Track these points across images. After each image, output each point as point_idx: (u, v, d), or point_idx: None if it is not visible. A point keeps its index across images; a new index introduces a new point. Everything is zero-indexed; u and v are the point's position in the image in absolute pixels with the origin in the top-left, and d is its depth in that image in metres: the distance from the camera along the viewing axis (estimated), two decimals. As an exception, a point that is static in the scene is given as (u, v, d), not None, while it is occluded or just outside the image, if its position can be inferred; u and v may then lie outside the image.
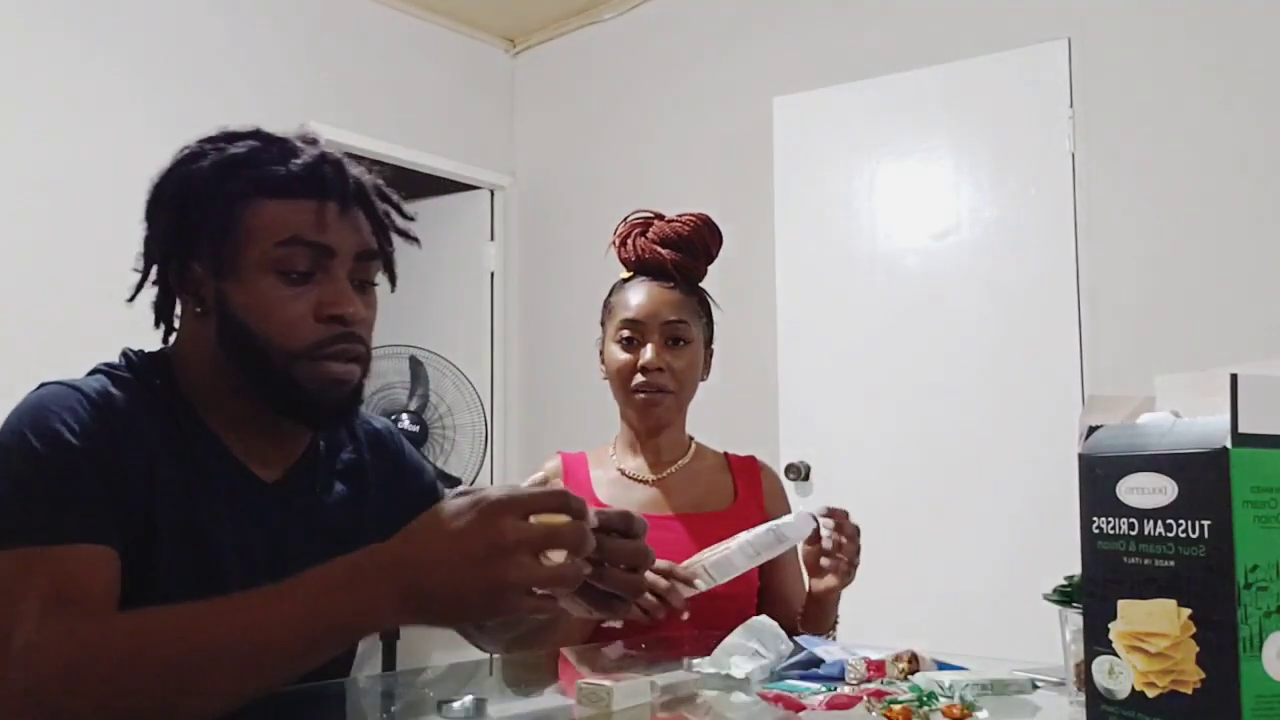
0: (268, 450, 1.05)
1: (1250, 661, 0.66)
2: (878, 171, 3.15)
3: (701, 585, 1.29)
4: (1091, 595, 0.76)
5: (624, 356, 1.65)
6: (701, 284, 1.72)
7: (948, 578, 2.85)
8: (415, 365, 3.70)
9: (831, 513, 1.42)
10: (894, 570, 2.79)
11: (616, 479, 1.69)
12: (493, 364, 4.14)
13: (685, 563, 1.33)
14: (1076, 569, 0.80)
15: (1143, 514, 0.72)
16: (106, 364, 1.03)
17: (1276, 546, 0.68)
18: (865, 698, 1.01)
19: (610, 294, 1.72)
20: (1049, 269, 2.87)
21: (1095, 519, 0.76)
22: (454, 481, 3.67)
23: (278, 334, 0.98)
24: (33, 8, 2.93)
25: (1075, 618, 0.90)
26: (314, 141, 1.05)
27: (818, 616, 1.53)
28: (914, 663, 1.14)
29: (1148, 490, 0.72)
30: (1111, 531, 0.75)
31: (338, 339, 1.00)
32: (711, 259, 1.72)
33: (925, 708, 0.97)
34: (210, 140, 1.04)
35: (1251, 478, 0.68)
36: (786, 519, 1.35)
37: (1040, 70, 2.92)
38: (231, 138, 1.04)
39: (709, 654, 1.20)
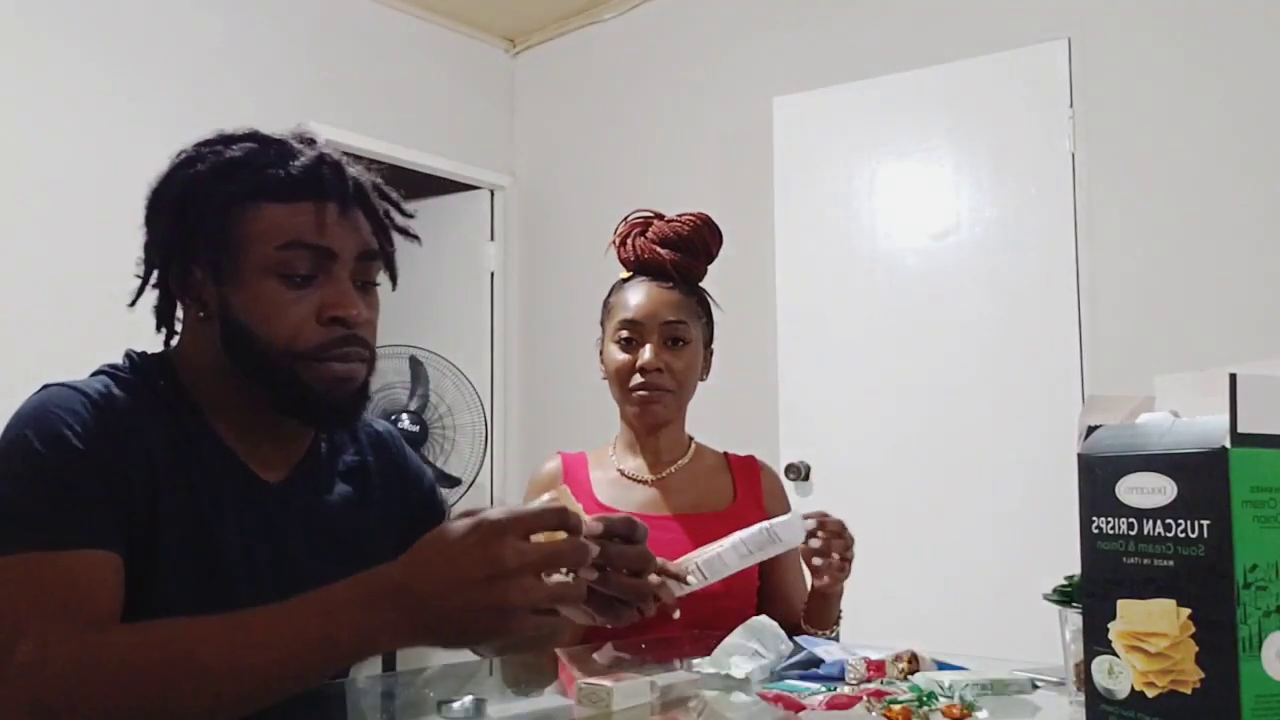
0: (271, 452, 1.05)
1: (1249, 661, 0.66)
2: (878, 171, 3.15)
3: (693, 582, 1.29)
4: (1091, 595, 0.77)
5: (623, 357, 1.65)
6: (701, 284, 1.72)
7: (948, 578, 2.86)
8: (415, 365, 3.71)
9: (809, 516, 1.43)
10: (894, 570, 2.79)
11: (616, 479, 1.69)
12: (493, 364, 4.14)
13: (677, 561, 1.32)
14: (1076, 569, 0.80)
15: (1142, 514, 0.72)
16: (109, 365, 1.03)
17: (1276, 546, 0.68)
18: (865, 698, 1.01)
19: (609, 294, 1.72)
20: (1049, 269, 2.87)
21: (1095, 519, 0.76)
22: (454, 481, 3.67)
23: (281, 338, 0.98)
24: (33, 8, 2.93)
25: (1075, 618, 0.90)
26: (311, 142, 1.04)
27: (820, 613, 1.53)
28: (914, 663, 1.14)
29: (1147, 490, 0.72)
30: (1111, 531, 0.75)
31: (341, 341, 1.00)
32: (711, 259, 1.72)
33: (925, 708, 0.97)
34: (207, 144, 1.04)
35: (1251, 477, 0.68)
36: (781, 519, 1.35)
37: (1040, 70, 2.92)
38: (228, 141, 1.03)
39: (709, 654, 1.20)
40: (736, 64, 3.59)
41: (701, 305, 1.70)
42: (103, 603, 0.87)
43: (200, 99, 3.22)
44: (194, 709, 0.79)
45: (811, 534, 1.43)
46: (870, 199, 3.15)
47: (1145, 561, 0.72)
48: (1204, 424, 0.70)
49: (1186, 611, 0.69)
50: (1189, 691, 0.69)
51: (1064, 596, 0.99)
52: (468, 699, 1.00)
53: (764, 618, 1.25)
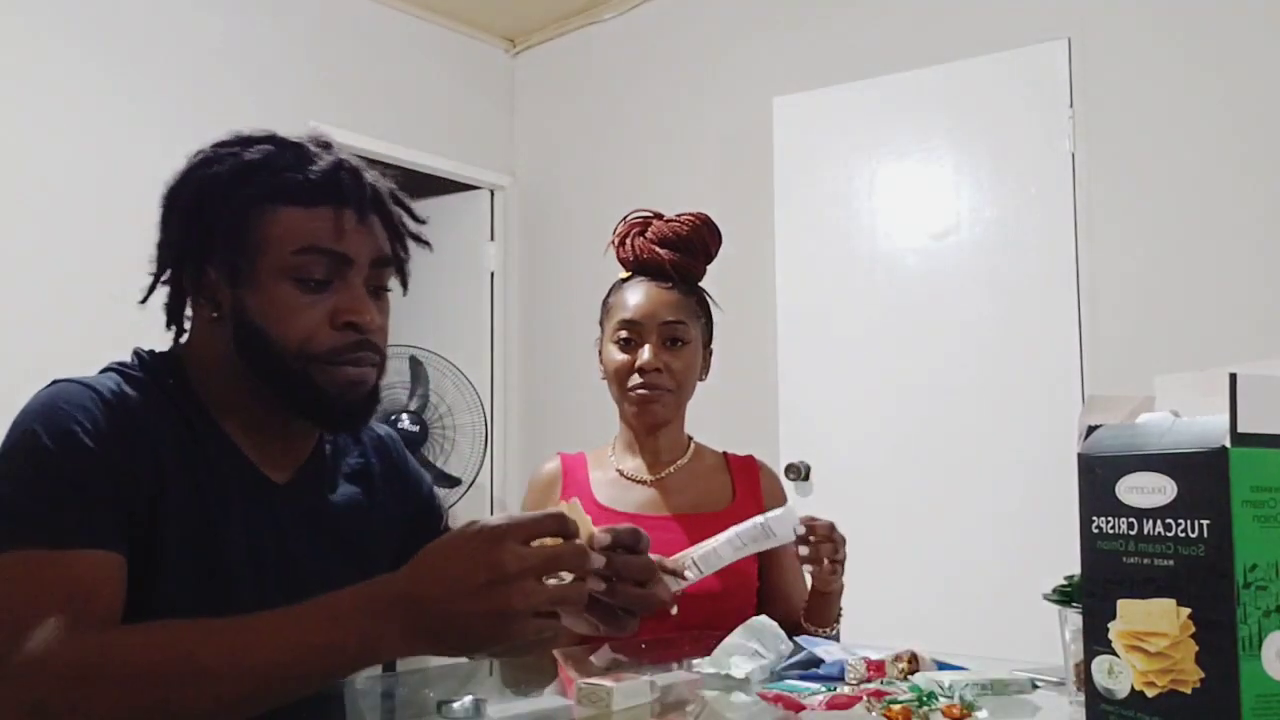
0: (278, 452, 1.06)
1: (1249, 661, 0.66)
2: (878, 171, 3.15)
3: (691, 577, 1.29)
4: (1091, 595, 0.76)
5: (622, 357, 1.65)
6: (701, 284, 1.72)
7: (948, 578, 2.85)
8: (415, 365, 3.71)
9: (806, 524, 1.43)
10: (894, 570, 2.80)
11: (615, 479, 1.69)
12: (493, 364, 4.14)
13: (674, 557, 1.33)
14: (1076, 569, 0.80)
15: (1142, 514, 0.72)
16: (118, 362, 1.03)
17: (1276, 546, 0.68)
18: (865, 698, 1.01)
19: (609, 294, 1.72)
20: (1049, 269, 2.87)
21: (1095, 519, 0.76)
22: (454, 481, 3.67)
23: (295, 341, 0.98)
24: (33, 8, 2.93)
25: (1075, 617, 0.90)
26: (328, 146, 1.05)
27: (821, 612, 1.53)
28: (914, 663, 1.14)
29: (1147, 490, 0.72)
30: (1111, 531, 0.75)
31: (355, 346, 1.01)
32: (710, 259, 1.72)
33: (925, 708, 0.97)
34: (224, 144, 1.04)
35: (1251, 477, 0.68)
36: (774, 513, 1.35)
37: (1040, 70, 2.92)
38: (246, 142, 1.03)
39: (709, 654, 1.20)
40: (736, 64, 3.59)
41: (701, 305, 1.70)
42: (105, 603, 0.87)
43: (200, 99, 3.22)
44: (195, 711, 0.79)
45: (802, 540, 1.43)
46: (870, 199, 3.15)
47: (1145, 561, 0.72)
48: (1204, 424, 0.70)
49: (1186, 611, 0.69)
50: (1189, 691, 0.69)
51: (1064, 596, 0.99)
52: (468, 699, 1.00)
53: (764, 618, 1.25)
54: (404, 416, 3.64)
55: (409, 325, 3.55)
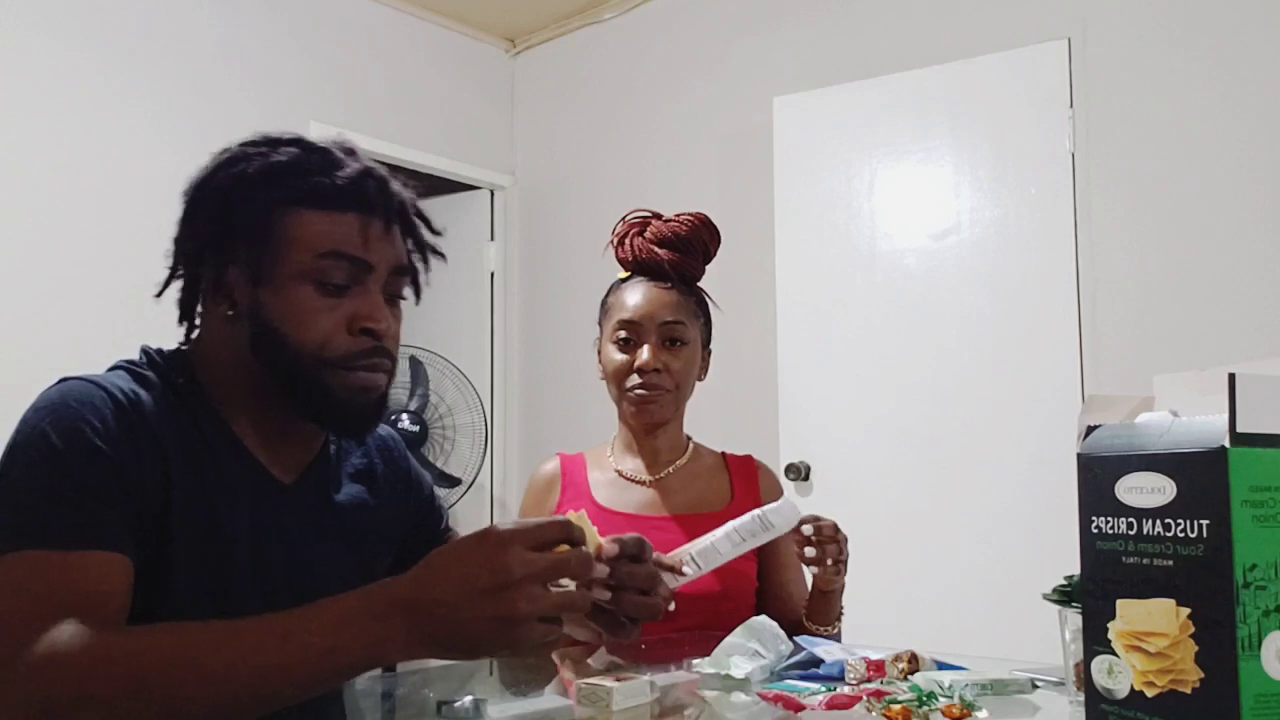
0: (286, 452, 1.06)
1: (1249, 661, 0.66)
2: (878, 171, 3.15)
3: (689, 573, 1.29)
4: (1091, 595, 0.77)
5: (621, 357, 1.65)
6: (700, 284, 1.72)
7: (948, 577, 2.85)
8: (415, 365, 3.71)
9: (804, 520, 1.43)
10: (894, 570, 2.80)
11: (614, 480, 1.69)
12: (493, 364, 4.14)
13: (672, 553, 1.33)
14: (1076, 569, 0.80)
15: (1141, 513, 0.72)
16: (127, 360, 1.03)
17: (1275, 545, 0.68)
18: (865, 698, 1.01)
19: (607, 294, 1.72)
20: (1049, 269, 2.87)
21: (1094, 519, 0.76)
22: (454, 481, 3.67)
23: (311, 343, 0.99)
24: (32, 7, 2.93)
25: (1075, 617, 0.90)
26: (352, 152, 1.05)
27: (822, 610, 1.53)
28: (914, 663, 1.14)
29: (1146, 490, 0.72)
30: (1110, 531, 0.75)
31: (369, 352, 1.01)
32: (709, 259, 1.72)
33: (925, 708, 0.98)
34: (252, 144, 1.04)
35: (1250, 477, 0.68)
36: (772, 506, 1.35)
37: (1040, 70, 2.91)
38: (274, 143, 1.04)
39: (709, 654, 1.20)
40: (736, 64, 3.59)
41: (699, 305, 1.70)
42: (112, 605, 0.87)
43: (200, 99, 3.22)
44: (200, 712, 0.80)
45: (806, 541, 1.43)
46: (870, 199, 3.15)
47: (1145, 561, 0.72)
48: (1203, 424, 0.70)
49: (1186, 611, 0.69)
50: (1189, 691, 0.69)
51: (1064, 596, 0.99)
52: (468, 699, 1.00)
53: (764, 618, 1.25)
54: (404, 416, 3.64)
55: (409, 325, 3.52)
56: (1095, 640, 0.75)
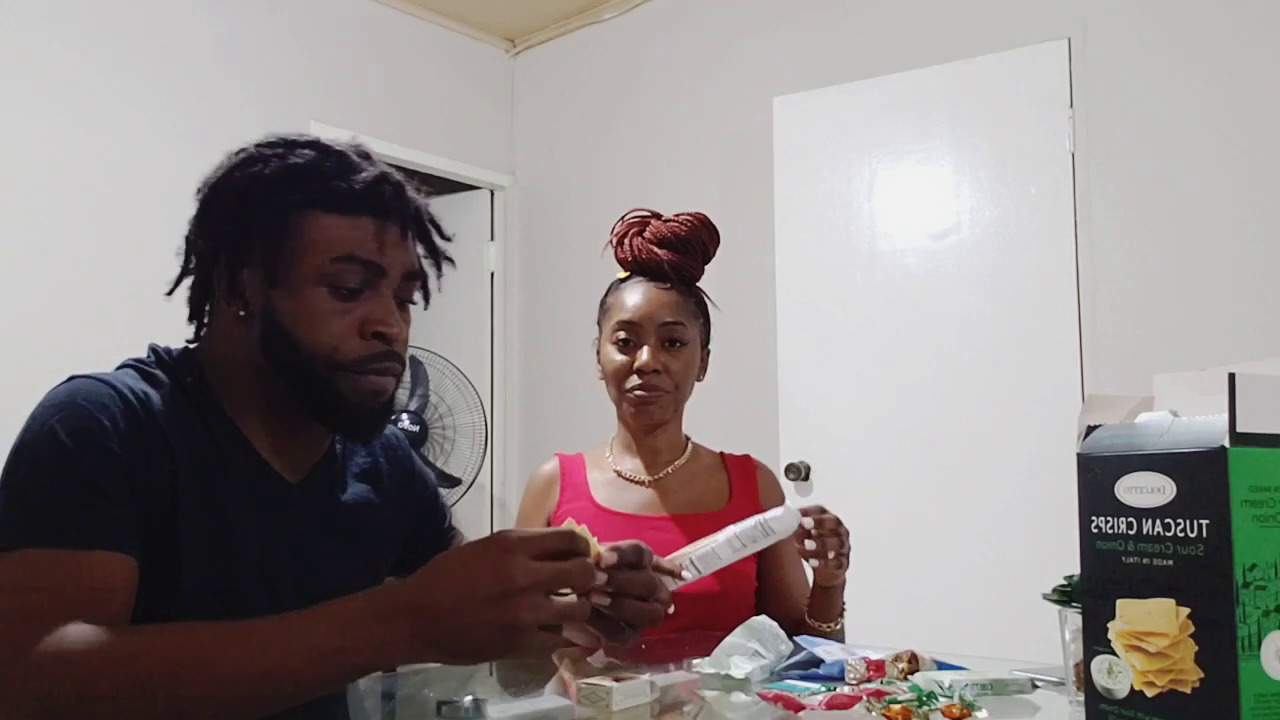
0: (293, 452, 1.06)
1: (1249, 660, 0.66)
2: (878, 171, 3.15)
3: (688, 577, 1.30)
4: (1090, 595, 0.77)
5: (620, 358, 1.65)
6: (699, 284, 1.72)
7: (948, 577, 2.85)
8: (415, 365, 3.71)
9: (806, 512, 1.42)
10: (894, 570, 2.80)
11: (613, 480, 1.69)
12: (493, 364, 4.14)
13: (671, 556, 1.33)
14: (1076, 569, 0.80)
15: (1141, 513, 0.72)
16: (135, 359, 1.03)
17: (1275, 545, 0.68)
18: (865, 698, 1.01)
19: (607, 294, 1.72)
20: (1049, 269, 2.87)
21: (1094, 518, 0.76)
22: (454, 481, 3.67)
23: (323, 346, 0.99)
24: (32, 7, 2.93)
25: (1075, 617, 0.90)
26: (368, 156, 1.06)
27: (824, 606, 1.53)
28: (914, 663, 1.14)
29: (1146, 490, 0.72)
30: (1110, 531, 0.75)
31: (380, 356, 1.02)
32: (709, 259, 1.71)
33: (925, 708, 0.97)
34: (269, 146, 1.04)
35: (1250, 477, 0.68)
36: (774, 514, 1.35)
37: (1040, 70, 2.91)
38: (291, 145, 1.04)
39: (709, 654, 1.20)
40: (736, 64, 3.59)
41: (699, 305, 1.70)
42: (116, 606, 0.87)
43: (200, 99, 3.22)
44: (204, 713, 0.80)
45: (806, 534, 1.43)
46: (870, 199, 3.15)
47: (1144, 561, 0.72)
48: (1203, 423, 0.70)
49: (1186, 611, 0.69)
50: (1188, 691, 0.69)
51: (1064, 596, 0.99)
52: (468, 699, 1.00)
53: (764, 618, 1.25)
54: (404, 416, 3.64)
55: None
56: (1095, 640, 0.75)
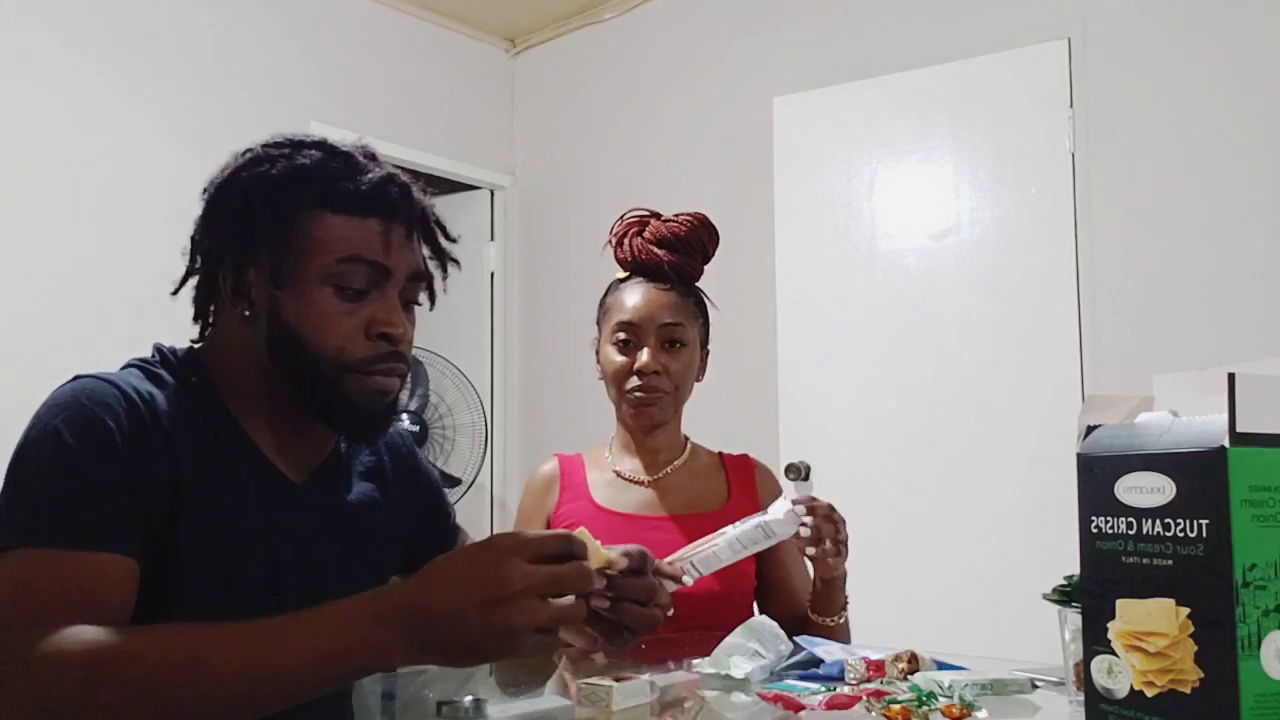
0: (298, 452, 1.06)
1: (1249, 660, 0.66)
2: (878, 171, 3.15)
3: (688, 580, 1.30)
4: (1090, 595, 0.77)
5: (620, 359, 1.64)
6: (699, 284, 1.72)
7: (947, 577, 2.85)
8: (415, 365, 3.71)
9: (797, 501, 1.41)
10: (894, 570, 2.80)
11: (612, 480, 1.69)
12: (493, 364, 4.14)
13: (671, 557, 1.33)
14: (1076, 569, 0.80)
15: (1141, 513, 0.72)
16: (140, 359, 1.03)
17: (1274, 545, 0.68)
18: (865, 698, 1.01)
19: (606, 294, 1.71)
20: (1049, 269, 2.87)
21: (1094, 518, 0.76)
22: (454, 481, 3.67)
23: (329, 347, 0.99)
24: (32, 7, 2.93)
25: (1074, 617, 0.90)
26: (374, 157, 1.06)
27: (826, 600, 1.52)
28: (914, 663, 1.14)
29: (1146, 489, 0.72)
30: (1110, 531, 0.75)
31: (386, 357, 1.02)
32: (708, 259, 1.71)
33: (925, 708, 0.98)
34: (275, 146, 1.04)
35: (1249, 477, 0.68)
36: (775, 516, 1.35)
37: (1040, 70, 2.91)
38: (297, 146, 1.04)
39: (709, 654, 1.20)
40: (736, 64, 3.59)
41: (698, 306, 1.70)
42: (114, 607, 0.87)
43: (200, 99, 3.22)
44: (203, 713, 0.80)
45: (801, 524, 1.42)
46: (870, 199, 3.15)
47: (1144, 561, 0.72)
48: (1203, 423, 0.70)
49: (1185, 611, 0.69)
50: (1188, 691, 0.69)
51: (1063, 596, 0.99)
52: (468, 699, 1.00)
53: (763, 618, 1.25)
54: (404, 416, 3.64)
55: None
56: (1095, 640, 0.75)
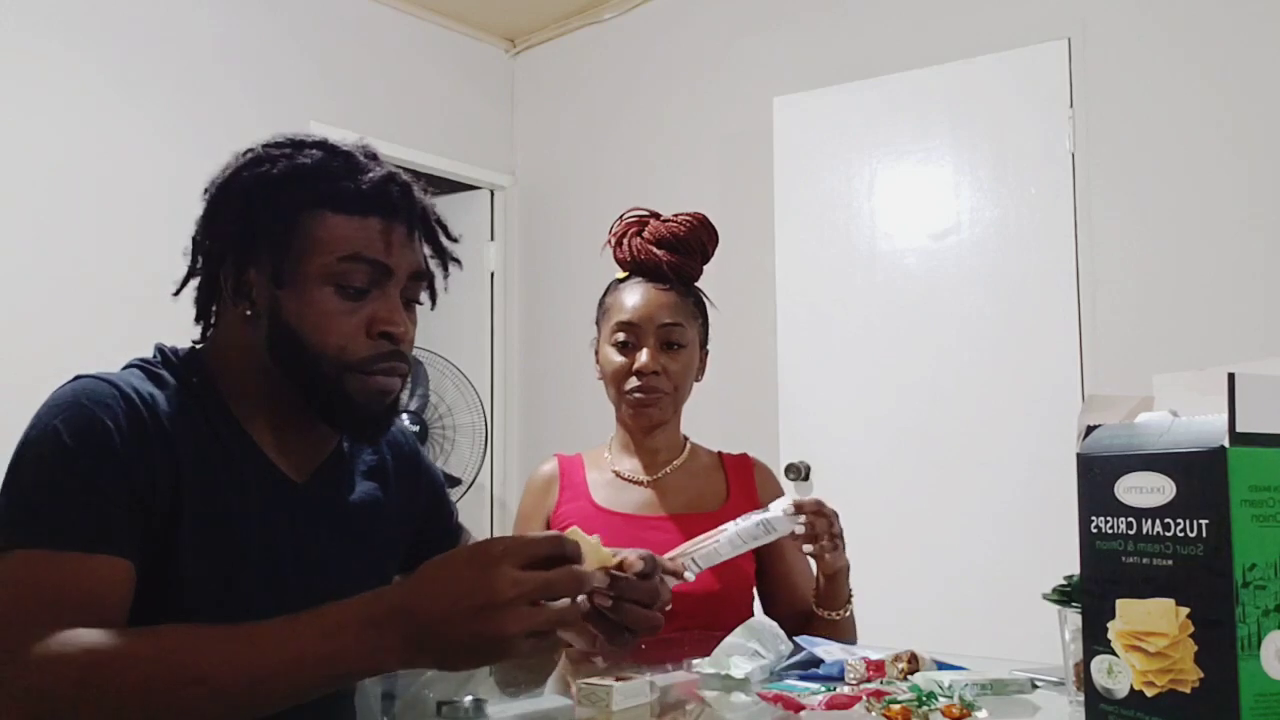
0: (300, 451, 1.06)
1: (1248, 660, 0.66)
2: (878, 171, 3.15)
3: (689, 577, 1.30)
4: (1090, 595, 0.77)
5: (619, 359, 1.64)
6: (698, 284, 1.72)
7: (947, 577, 2.85)
8: (415, 365, 3.71)
9: (799, 506, 1.42)
10: (894, 570, 2.80)
11: (612, 480, 1.69)
12: (493, 364, 4.14)
13: (671, 553, 1.33)
14: (1076, 569, 0.80)
15: (1141, 513, 0.72)
16: (141, 359, 1.03)
17: (1274, 545, 0.68)
18: (865, 698, 1.01)
19: (605, 294, 1.71)
20: (1049, 269, 2.87)
21: (1094, 518, 0.76)
22: (454, 481, 3.67)
23: (330, 346, 0.99)
24: (32, 7, 2.93)
25: (1074, 617, 0.91)
26: (375, 156, 1.06)
27: (830, 594, 1.52)
28: (914, 663, 1.14)
29: (1146, 490, 0.72)
30: (1110, 531, 0.75)
31: (387, 356, 1.02)
32: (707, 259, 1.71)
33: (925, 708, 0.98)
34: (276, 146, 1.04)
35: (1249, 477, 0.68)
36: (775, 514, 1.36)
37: (1040, 70, 2.91)
38: (298, 145, 1.04)
39: (709, 654, 1.20)
40: (736, 64, 3.59)
41: (698, 306, 1.70)
42: (111, 609, 0.87)
43: (200, 99, 3.22)
44: (199, 715, 0.80)
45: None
46: (870, 199, 3.15)
47: (1144, 561, 0.72)
48: (1203, 423, 0.70)
49: (1185, 611, 0.69)
50: (1188, 691, 0.69)
51: (1063, 596, 0.99)
52: (468, 699, 1.00)
53: (763, 618, 1.25)
54: (404, 416, 3.64)
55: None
56: (1095, 640, 0.75)
